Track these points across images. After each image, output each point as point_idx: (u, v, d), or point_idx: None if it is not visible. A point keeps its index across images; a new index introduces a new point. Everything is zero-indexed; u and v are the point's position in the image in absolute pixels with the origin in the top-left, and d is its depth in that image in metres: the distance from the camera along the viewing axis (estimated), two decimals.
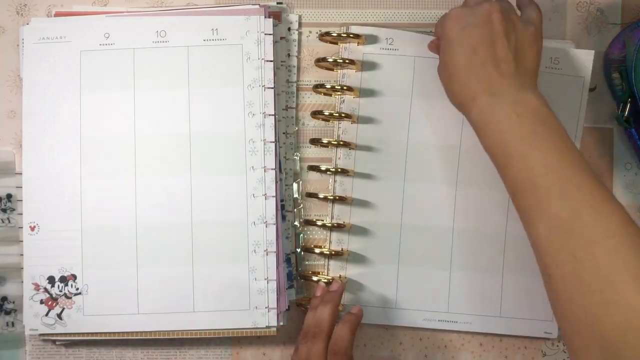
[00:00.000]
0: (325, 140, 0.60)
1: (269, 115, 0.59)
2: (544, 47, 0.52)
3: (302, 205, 0.62)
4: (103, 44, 0.60)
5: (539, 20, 0.51)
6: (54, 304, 0.59)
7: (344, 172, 0.60)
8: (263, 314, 0.58)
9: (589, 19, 0.63)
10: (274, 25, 0.60)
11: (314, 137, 0.62)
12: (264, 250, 0.58)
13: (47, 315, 0.59)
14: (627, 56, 0.58)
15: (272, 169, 0.59)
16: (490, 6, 0.49)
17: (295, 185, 0.61)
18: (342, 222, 0.60)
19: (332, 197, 0.60)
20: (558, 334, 0.60)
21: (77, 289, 0.59)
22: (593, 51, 0.60)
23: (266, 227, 0.59)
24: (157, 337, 0.59)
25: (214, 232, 0.59)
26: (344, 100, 0.61)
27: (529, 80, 0.49)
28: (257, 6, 0.60)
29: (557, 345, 0.61)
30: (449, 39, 0.50)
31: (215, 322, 0.59)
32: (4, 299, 0.61)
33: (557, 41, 0.62)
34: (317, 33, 0.62)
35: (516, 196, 0.47)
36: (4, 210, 0.61)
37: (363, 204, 0.61)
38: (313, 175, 0.62)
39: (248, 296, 0.59)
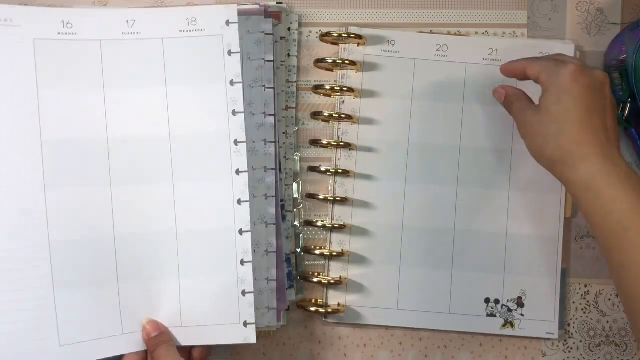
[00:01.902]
0: (325, 142, 0.60)
1: (269, 115, 0.59)
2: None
3: (302, 206, 0.62)
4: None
5: None
6: None
7: (344, 173, 0.60)
8: (263, 314, 0.58)
9: (589, 19, 0.63)
10: (274, 25, 0.60)
11: (314, 137, 0.61)
12: (264, 250, 0.58)
13: None
14: (627, 56, 0.58)
15: (272, 169, 0.59)
16: (603, 77, 0.51)
17: (295, 186, 0.61)
18: (343, 223, 0.60)
19: (332, 199, 0.60)
20: (559, 335, 0.60)
21: None
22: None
23: (266, 227, 0.58)
24: None
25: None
26: (344, 101, 0.61)
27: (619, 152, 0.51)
28: (257, 6, 0.60)
29: (557, 346, 0.61)
30: (566, 91, 0.50)
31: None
32: None
33: (558, 41, 0.62)
34: (317, 33, 0.62)
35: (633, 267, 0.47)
36: None
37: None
38: (313, 175, 0.62)
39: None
